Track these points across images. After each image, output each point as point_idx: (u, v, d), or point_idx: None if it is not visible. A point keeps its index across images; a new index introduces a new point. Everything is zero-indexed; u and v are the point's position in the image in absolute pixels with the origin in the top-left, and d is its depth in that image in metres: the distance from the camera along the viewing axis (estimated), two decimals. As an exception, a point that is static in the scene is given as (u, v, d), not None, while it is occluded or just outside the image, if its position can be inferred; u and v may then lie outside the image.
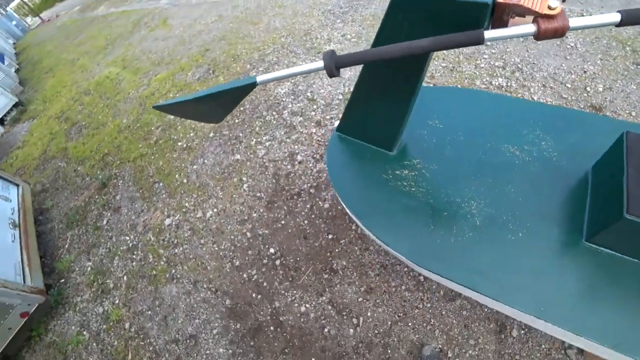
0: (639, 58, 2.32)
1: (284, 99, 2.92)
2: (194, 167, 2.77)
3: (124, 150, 3.38)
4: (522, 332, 1.51)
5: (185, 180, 2.70)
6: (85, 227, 2.83)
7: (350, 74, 2.83)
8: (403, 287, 1.71)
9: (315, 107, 2.71)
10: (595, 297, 0.96)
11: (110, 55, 5.76)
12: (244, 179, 2.47)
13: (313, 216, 2.08)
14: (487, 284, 1.04)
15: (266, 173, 2.43)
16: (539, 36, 0.73)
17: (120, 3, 8.24)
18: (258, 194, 2.33)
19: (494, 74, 2.53)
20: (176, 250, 2.29)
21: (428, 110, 1.54)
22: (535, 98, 2.28)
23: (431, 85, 2.53)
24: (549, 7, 0.70)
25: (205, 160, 2.78)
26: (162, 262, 2.28)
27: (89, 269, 2.51)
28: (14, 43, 10.82)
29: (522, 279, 1.03)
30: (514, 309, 1.00)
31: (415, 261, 1.14)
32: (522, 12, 0.78)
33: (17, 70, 7.42)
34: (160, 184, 2.79)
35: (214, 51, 4.21)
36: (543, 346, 1.46)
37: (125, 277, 2.32)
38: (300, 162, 2.38)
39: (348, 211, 1.39)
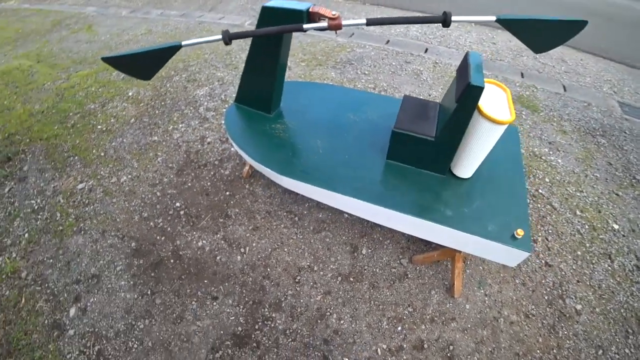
0: None
1: (201, 99, 3.37)
2: (112, 144, 2.95)
3: (35, 131, 3.30)
4: (369, 250, 2.06)
5: (102, 154, 2.86)
6: (-21, 197, 2.69)
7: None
8: (282, 226, 2.23)
9: (226, 105, 3.22)
10: (392, 187, 1.62)
11: (21, 49, 5.37)
12: (159, 154, 2.78)
13: (215, 180, 2.51)
14: (324, 182, 1.63)
15: (179, 150, 2.80)
16: (329, 28, 1.40)
17: (35, 1, 7.65)
18: (170, 165, 2.67)
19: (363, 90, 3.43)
20: (86, 209, 2.43)
21: (300, 94, 2.22)
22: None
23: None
24: (332, 14, 1.40)
25: (124, 140, 2.99)
26: (70, 219, 2.38)
27: (-18, 234, 2.41)
28: None
29: (353, 179, 1.65)
30: (345, 196, 1.57)
31: (281, 173, 1.69)
32: (323, 16, 1.48)
33: None
34: (76, 157, 2.87)
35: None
36: (384, 259, 2.02)
37: (26, 235, 2.33)
38: (209, 143, 2.82)
39: (242, 154, 1.90)
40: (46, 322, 1.86)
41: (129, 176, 2.63)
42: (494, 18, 1.32)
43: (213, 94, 3.43)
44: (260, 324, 1.74)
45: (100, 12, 6.44)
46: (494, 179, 1.66)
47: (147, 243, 2.18)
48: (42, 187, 2.66)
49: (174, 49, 1.57)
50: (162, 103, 3.39)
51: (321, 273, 1.95)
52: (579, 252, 2.20)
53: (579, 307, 1.91)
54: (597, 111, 3.34)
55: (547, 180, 2.63)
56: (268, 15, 1.57)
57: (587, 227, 2.34)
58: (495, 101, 1.47)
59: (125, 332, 1.78)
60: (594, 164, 2.79)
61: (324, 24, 1.41)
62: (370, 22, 1.36)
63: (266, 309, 1.79)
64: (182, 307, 1.84)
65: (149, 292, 1.93)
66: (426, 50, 4.14)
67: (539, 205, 2.44)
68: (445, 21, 1.33)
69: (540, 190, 2.55)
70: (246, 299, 1.84)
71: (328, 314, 1.77)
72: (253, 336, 1.70)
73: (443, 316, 1.78)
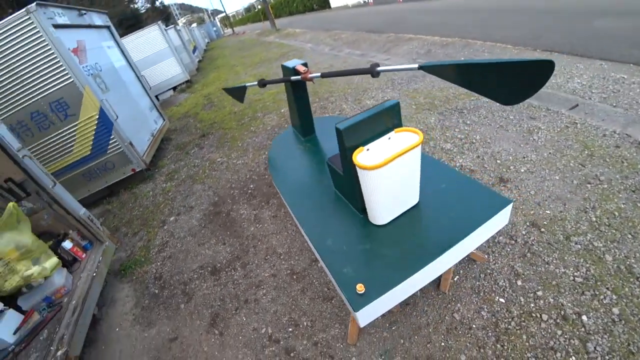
0: (587, 162, 2.97)
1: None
2: (248, 140, 4.96)
3: (225, 122, 5.92)
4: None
5: (240, 144, 4.91)
6: (182, 151, 5.34)
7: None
8: (290, 223, 3.27)
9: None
10: (318, 209, 2.18)
11: (256, 70, 8.98)
12: (266, 153, 4.48)
13: (278, 177, 3.88)
14: (284, 189, 2.54)
15: (275, 152, 4.38)
16: (302, 79, 2.41)
17: (284, 37, 12.12)
18: (266, 161, 4.28)
19: (445, 139, 3.82)
20: (213, 172, 4.43)
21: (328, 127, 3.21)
22: (461, 162, 3.47)
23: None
24: (303, 70, 2.43)
25: (257, 139, 4.94)
26: (203, 175, 4.44)
27: (171, 169, 4.90)
28: (208, 42, 17.09)
29: (303, 196, 2.36)
30: (287, 205, 2.41)
31: (270, 170, 2.81)
32: (299, 72, 2.49)
33: (200, 61, 11.85)
34: (228, 143, 5.08)
35: (319, 92, 6.53)
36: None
37: (183, 175, 4.58)
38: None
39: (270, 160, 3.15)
40: (161, 218, 3.83)
41: (242, 161, 4.46)
42: (416, 66, 1.42)
43: (326, 120, 4.86)
44: (229, 268, 2.91)
45: (312, 48, 9.50)
46: (411, 238, 1.74)
47: (221, 201, 3.82)
48: (204, 154, 4.96)
49: (244, 88, 3.05)
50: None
51: (283, 262, 2.84)
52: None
53: None
54: None
55: None
56: (284, 69, 2.74)
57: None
58: (391, 148, 1.64)
59: (180, 239, 3.43)
60: None
61: (297, 77, 2.44)
62: (324, 75, 2.23)
63: (238, 263, 2.93)
64: (208, 240, 3.30)
65: (202, 225, 3.52)
66: (574, 107, 3.82)
67: None
68: (372, 72, 1.70)
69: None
70: (236, 252, 3.05)
71: (262, 287, 2.66)
72: (221, 273, 2.89)
73: (326, 348, 2.09)
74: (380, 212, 1.80)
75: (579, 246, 2.31)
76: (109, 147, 4.33)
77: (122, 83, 5.05)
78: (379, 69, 1.75)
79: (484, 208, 1.77)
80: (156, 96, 9.06)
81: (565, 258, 2.26)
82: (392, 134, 1.76)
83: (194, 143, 5.49)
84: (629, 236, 2.30)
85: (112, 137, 4.27)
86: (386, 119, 1.73)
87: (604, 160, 2.97)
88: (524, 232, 2.50)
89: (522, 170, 3.09)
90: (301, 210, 2.20)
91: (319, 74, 2.25)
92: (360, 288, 1.49)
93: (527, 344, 1.88)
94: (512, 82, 1.20)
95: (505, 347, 1.89)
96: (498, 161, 3.26)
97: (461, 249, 1.69)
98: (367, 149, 1.70)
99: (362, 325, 1.58)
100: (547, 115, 3.79)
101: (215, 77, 9.42)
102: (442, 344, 1.98)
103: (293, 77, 2.52)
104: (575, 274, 2.16)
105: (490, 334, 1.97)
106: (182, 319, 2.66)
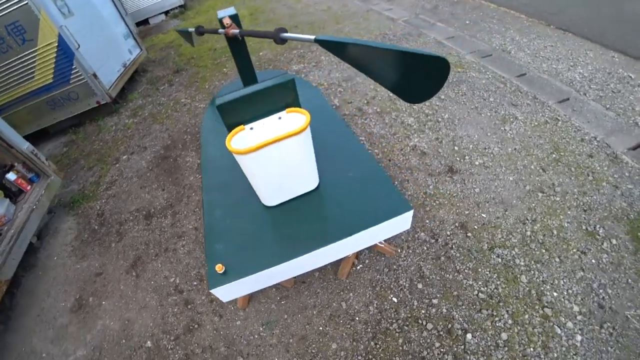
0: (550, 167, 2.84)
1: (293, 72, 4.66)
2: (216, 83, 4.81)
3: (201, 59, 5.69)
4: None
5: (207, 87, 4.78)
6: (153, 86, 5.22)
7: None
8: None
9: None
10: (235, 184, 2.08)
11: (252, 3, 8.37)
12: (229, 99, 4.37)
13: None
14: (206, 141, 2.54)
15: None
16: (225, 34, 2.19)
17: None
18: (226, 108, 4.19)
19: (411, 112, 3.66)
20: (175, 114, 4.38)
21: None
22: (416, 141, 3.32)
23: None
24: (227, 24, 2.23)
25: (224, 82, 4.78)
26: (164, 116, 4.40)
27: (138, 104, 4.83)
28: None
29: (217, 173, 2.20)
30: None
31: (203, 126, 2.76)
32: (225, 25, 2.31)
33: (198, -15, 10.95)
34: (197, 83, 4.94)
35: (300, 25, 6.15)
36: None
37: (147, 113, 4.54)
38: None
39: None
40: (116, 155, 3.92)
41: (204, 105, 4.38)
42: (312, 38, 1.30)
43: (303, 71, 4.64)
44: (161, 215, 3.01)
45: (316, -15, 8.74)
46: (295, 225, 1.72)
47: (173, 145, 3.84)
48: (172, 93, 4.86)
49: (189, 33, 2.86)
50: (269, 65, 4.96)
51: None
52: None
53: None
54: None
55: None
56: (218, 18, 2.54)
57: None
58: (277, 129, 1.59)
59: (127, 179, 3.54)
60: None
61: (222, 31, 2.25)
62: (242, 34, 2.02)
63: (170, 211, 3.03)
64: (151, 184, 3.41)
65: (150, 168, 3.59)
66: (563, 100, 3.58)
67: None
68: (275, 38, 1.55)
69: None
70: (171, 200, 3.14)
71: (183, 238, 2.79)
72: (153, 218, 3.00)
73: (218, 307, 2.26)
74: (263, 195, 1.79)
75: (500, 260, 2.25)
76: (72, 77, 4.22)
77: (91, 6, 4.76)
78: (282, 35, 1.58)
79: (383, 209, 1.68)
80: (147, 19, 8.61)
81: (479, 270, 2.21)
82: (283, 113, 1.68)
83: (167, 79, 5.34)
84: (557, 260, 2.22)
85: (74, 67, 4.14)
86: (277, 97, 1.63)
87: (569, 169, 2.82)
88: (448, 233, 2.44)
89: (477, 163, 2.98)
90: (208, 172, 2.18)
91: (237, 31, 2.08)
92: (219, 268, 1.52)
93: (400, 348, 1.93)
94: (409, 76, 1.08)
95: (378, 346, 1.95)
96: (456, 147, 3.16)
97: (344, 246, 1.65)
98: (251, 128, 1.63)
99: (224, 301, 1.66)
100: (531, 104, 3.57)
101: (211, 5, 8.84)
102: (321, 328, 2.07)
103: (220, 30, 2.34)
104: (482, 289, 2.12)
105: (369, 329, 2.03)
106: (110, 256, 2.82)
